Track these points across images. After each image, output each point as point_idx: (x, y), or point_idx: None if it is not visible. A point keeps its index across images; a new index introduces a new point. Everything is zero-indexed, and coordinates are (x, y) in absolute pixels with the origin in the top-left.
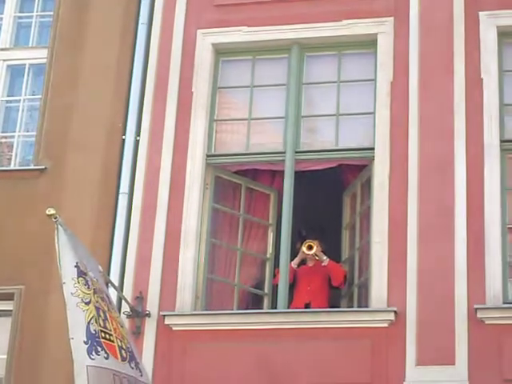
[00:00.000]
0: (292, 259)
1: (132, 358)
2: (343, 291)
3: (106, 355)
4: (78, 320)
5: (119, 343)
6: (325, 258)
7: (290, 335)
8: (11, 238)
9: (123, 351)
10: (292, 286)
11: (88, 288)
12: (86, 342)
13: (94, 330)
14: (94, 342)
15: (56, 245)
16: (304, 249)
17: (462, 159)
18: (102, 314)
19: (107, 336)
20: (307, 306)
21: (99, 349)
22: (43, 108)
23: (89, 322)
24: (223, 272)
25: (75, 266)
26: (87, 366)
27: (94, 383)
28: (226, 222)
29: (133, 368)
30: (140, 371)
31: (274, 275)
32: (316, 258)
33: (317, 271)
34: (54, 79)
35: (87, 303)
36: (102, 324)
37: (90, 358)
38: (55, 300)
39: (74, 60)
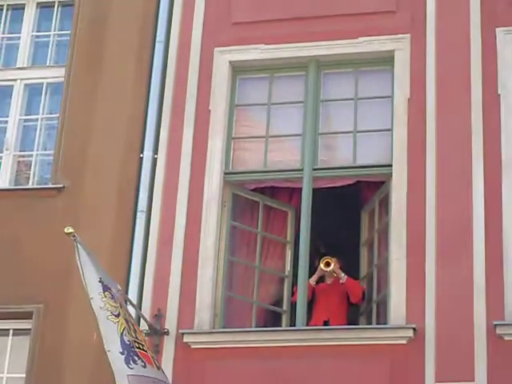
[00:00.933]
0: (310, 277)
1: (163, 370)
2: (362, 308)
3: (143, 364)
4: (111, 332)
5: (150, 353)
6: (343, 274)
7: (309, 352)
8: (29, 256)
9: (155, 360)
10: (311, 304)
11: (115, 302)
12: (122, 353)
13: (128, 341)
14: (130, 352)
15: (78, 262)
16: (322, 265)
17: (479, 175)
18: (131, 326)
19: (140, 346)
20: (326, 323)
21: (136, 358)
22: (61, 127)
23: (122, 334)
24: (241, 290)
25: (99, 281)
26: (128, 375)
27: None
28: (243, 239)
29: (166, 378)
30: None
31: (293, 293)
32: (334, 275)
33: (335, 288)
34: (71, 98)
35: (117, 316)
36: (133, 335)
37: (129, 367)
38: (74, 318)
39: (91, 79)
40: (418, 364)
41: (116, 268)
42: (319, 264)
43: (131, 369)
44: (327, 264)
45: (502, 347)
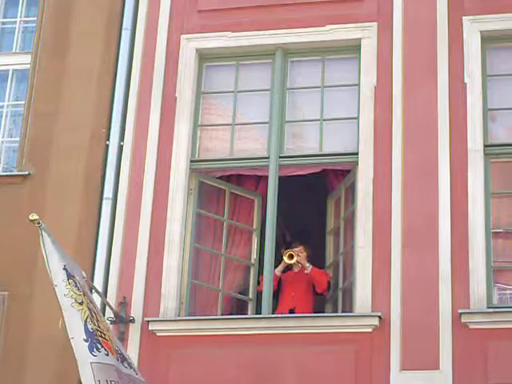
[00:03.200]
0: (276, 264)
1: (123, 359)
2: (328, 296)
3: (106, 352)
4: (75, 319)
5: (112, 344)
6: (308, 265)
7: (275, 340)
8: None
9: (116, 352)
10: (277, 292)
11: (78, 290)
12: (86, 340)
13: (92, 329)
14: (94, 339)
15: (42, 249)
16: (285, 258)
17: (445, 164)
18: (94, 315)
19: (102, 335)
20: (292, 311)
21: (99, 346)
22: (27, 114)
23: (85, 321)
24: (207, 277)
25: (64, 269)
26: (91, 363)
27: (99, 378)
28: (210, 227)
29: (126, 367)
30: (134, 370)
31: (259, 282)
32: (299, 266)
33: (301, 277)
34: (37, 85)
35: (80, 303)
36: (96, 324)
37: (92, 354)
38: (39, 305)
39: (57, 66)
40: (384, 352)
41: (82, 255)
42: (283, 256)
43: (95, 356)
44: (290, 257)
45: (467, 335)
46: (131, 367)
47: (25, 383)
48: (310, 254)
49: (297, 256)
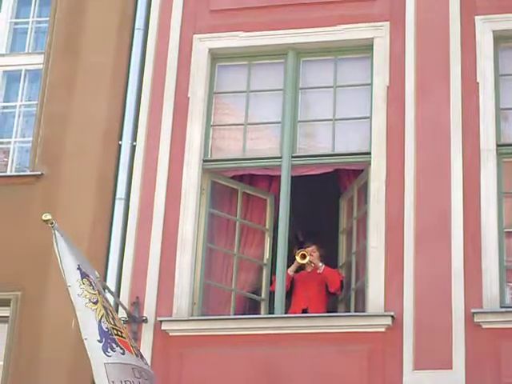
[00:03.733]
0: (289, 264)
1: (142, 356)
2: (340, 296)
3: (121, 351)
4: (88, 320)
5: (129, 341)
6: (320, 264)
7: (287, 340)
8: (7, 244)
9: (134, 348)
10: (290, 292)
11: (93, 289)
12: (100, 341)
13: (107, 328)
14: (108, 339)
15: (56, 249)
16: (298, 258)
17: (458, 163)
18: (110, 313)
19: (119, 333)
20: (304, 311)
21: (114, 345)
22: (39, 114)
23: (100, 321)
24: (220, 277)
25: (77, 269)
26: (105, 363)
27: (113, 379)
28: (222, 227)
29: (146, 364)
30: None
31: (271, 282)
32: (312, 265)
33: (314, 277)
34: (50, 85)
35: (95, 303)
36: (112, 322)
37: (107, 355)
38: (52, 306)
39: (70, 66)
40: (396, 352)
41: (94, 255)
42: (295, 255)
43: (109, 356)
44: (303, 256)
45: (479, 335)
46: (147, 364)
47: (38, 383)
48: (322, 253)
49: (309, 256)
